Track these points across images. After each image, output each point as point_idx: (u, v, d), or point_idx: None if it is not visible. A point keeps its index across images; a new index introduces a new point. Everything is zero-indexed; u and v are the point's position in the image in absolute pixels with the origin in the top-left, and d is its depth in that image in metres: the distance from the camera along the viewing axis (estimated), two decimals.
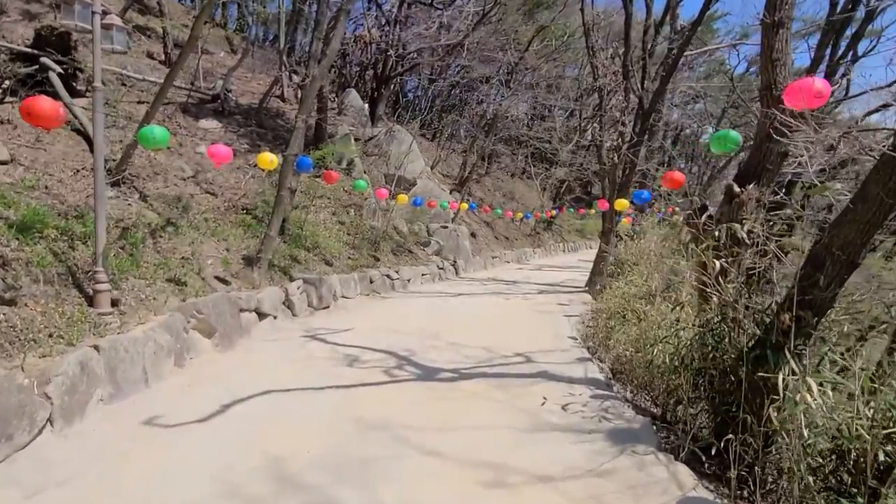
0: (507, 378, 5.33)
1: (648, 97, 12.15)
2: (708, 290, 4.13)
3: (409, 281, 13.26)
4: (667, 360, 4.20)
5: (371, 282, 11.63)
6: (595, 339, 7.36)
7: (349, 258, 11.97)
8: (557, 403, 4.52)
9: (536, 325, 8.50)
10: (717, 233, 4.05)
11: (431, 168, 21.38)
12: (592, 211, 31.56)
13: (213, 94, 14.86)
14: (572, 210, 30.36)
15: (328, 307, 9.48)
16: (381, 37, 19.30)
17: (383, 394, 4.88)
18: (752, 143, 4.77)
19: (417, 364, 5.89)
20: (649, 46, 12.46)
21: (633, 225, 15.65)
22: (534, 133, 28.63)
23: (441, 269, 15.43)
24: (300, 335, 7.32)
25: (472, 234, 19.66)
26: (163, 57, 15.00)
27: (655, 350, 4.32)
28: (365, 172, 15.91)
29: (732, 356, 3.77)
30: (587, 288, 13.21)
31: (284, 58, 13.82)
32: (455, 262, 16.40)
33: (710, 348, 3.92)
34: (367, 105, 21.29)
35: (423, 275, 14.21)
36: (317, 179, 12.51)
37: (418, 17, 20.66)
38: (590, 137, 34.81)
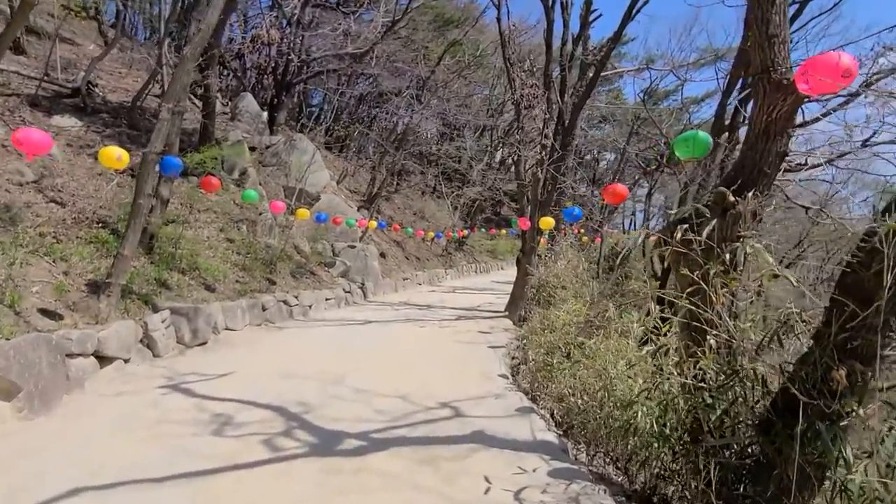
0: (434, 446, 4.03)
1: (568, 111, 11.61)
2: (708, 329, 3.13)
3: (310, 307, 11.61)
4: (650, 424, 3.13)
5: (264, 309, 9.89)
6: (530, 377, 6.27)
7: (237, 282, 10.16)
8: (507, 488, 3.28)
9: (460, 361, 7.30)
10: (721, 254, 3.08)
11: (338, 183, 19.83)
12: (503, 232, 31.53)
13: (73, 87, 12.47)
14: (484, 230, 30.01)
15: (205, 343, 7.68)
16: (281, 38, 17.62)
17: (259, 483, 3.39)
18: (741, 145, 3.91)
19: (313, 426, 4.43)
20: (568, 60, 11.98)
21: (550, 246, 15.08)
22: (444, 151, 27.98)
23: (348, 292, 13.89)
24: (158, 385, 5.57)
25: (382, 255, 18.29)
26: None
27: (635, 411, 3.23)
28: (261, 184, 14.09)
29: (749, 424, 2.76)
30: (507, 312, 12.28)
31: (165, 50, 11.88)
32: (363, 284, 14.92)
33: (711, 411, 2.89)
34: (266, 113, 19.40)
35: (327, 299, 12.61)
36: (201, 190, 10.61)
37: (324, 21, 19.24)
38: (499, 158, 34.90)
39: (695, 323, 3.23)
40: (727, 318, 2.99)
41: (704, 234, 3.15)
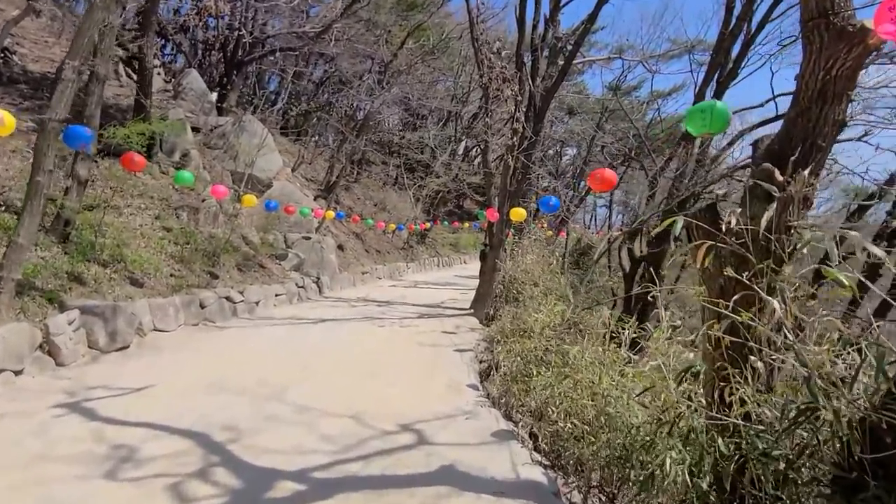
0: (393, 490, 3.17)
1: (540, 96, 10.89)
2: (754, 346, 2.39)
3: (257, 304, 10.54)
4: (682, 477, 2.37)
5: (202, 307, 8.80)
6: (503, 388, 5.49)
7: (173, 275, 9.02)
8: None
9: (423, 368, 6.46)
10: (772, 247, 2.34)
11: (293, 170, 18.61)
12: (467, 225, 30.82)
13: None
14: (446, 223, 29.22)
15: (126, 347, 6.59)
16: (231, 12, 16.26)
17: None
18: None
19: (239, 463, 3.51)
20: (540, 40, 11.24)
21: (517, 240, 14.40)
22: (407, 141, 27.00)
23: (301, 287, 12.84)
24: (53, 404, 4.52)
25: (340, 247, 17.25)
26: None
27: (661, 458, 2.45)
28: (205, 168, 12.85)
29: (825, 483, 2.02)
30: (472, 310, 11.52)
31: None
32: (319, 278, 13.88)
33: (770, 462, 2.15)
34: (215, 94, 18.00)
35: (277, 295, 11.54)
36: (130, 172, 9.36)
37: None
38: (462, 149, 34.09)
39: (732, 338, 2.49)
40: (788, 334, 2.25)
41: (763, 221, 2.39)
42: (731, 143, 12.86)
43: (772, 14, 9.86)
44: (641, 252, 14.12)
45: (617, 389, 3.64)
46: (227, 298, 9.60)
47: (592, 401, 3.62)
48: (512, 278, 10.90)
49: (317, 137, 24.92)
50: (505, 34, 20.37)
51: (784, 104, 14.94)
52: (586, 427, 3.58)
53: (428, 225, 25.79)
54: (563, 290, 10.15)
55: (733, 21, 9.36)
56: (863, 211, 11.02)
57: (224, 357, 6.57)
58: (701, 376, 2.68)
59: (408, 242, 24.15)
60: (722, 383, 2.64)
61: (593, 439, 3.45)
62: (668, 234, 12.52)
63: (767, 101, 12.06)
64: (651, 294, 10.68)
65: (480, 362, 7.71)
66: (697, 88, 10.36)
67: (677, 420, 2.63)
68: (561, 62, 11.50)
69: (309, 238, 14.53)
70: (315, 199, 18.25)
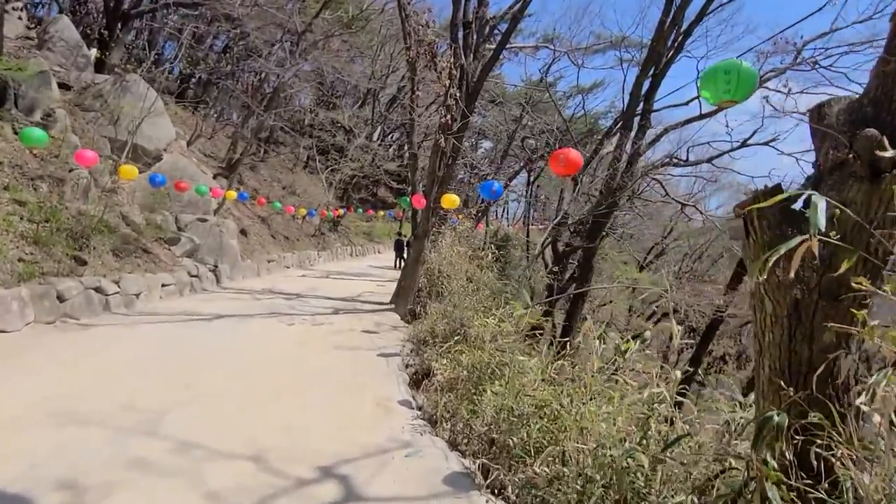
0: None
1: (473, 75, 10.05)
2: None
3: (138, 296, 8.87)
4: None
5: (62, 300, 7.10)
6: (441, 403, 4.55)
7: (21, 260, 7.22)
8: None
9: (344, 380, 5.38)
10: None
11: (189, 143, 16.46)
12: (381, 213, 29.58)
13: None
14: (360, 210, 27.85)
15: None
16: None
17: None
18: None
19: None
20: (474, 16, 10.37)
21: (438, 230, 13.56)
22: (320, 121, 25.26)
23: (195, 276, 11.15)
24: None
25: (243, 232, 15.49)
26: None
27: None
28: (74, 132, 10.72)
29: None
30: (393, 305, 10.51)
31: None
32: (217, 266, 12.21)
33: None
34: (94, 50, 15.40)
35: (164, 286, 9.85)
36: None
37: None
38: (377, 135, 32.68)
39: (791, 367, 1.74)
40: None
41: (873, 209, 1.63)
42: (655, 140, 12.79)
43: (707, 10, 9.69)
44: (567, 247, 13.83)
45: (606, 422, 2.84)
46: (97, 289, 7.90)
47: (579, 439, 2.79)
48: (438, 271, 10.04)
49: (219, 109, 22.55)
50: (434, 7, 19.34)
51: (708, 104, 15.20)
52: (572, 470, 2.74)
53: (341, 211, 24.36)
54: (494, 284, 9.45)
55: (674, 8, 9.04)
56: None
57: (81, 368, 5.09)
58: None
59: (319, 229, 22.59)
60: (798, 437, 1.87)
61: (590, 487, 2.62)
62: (601, 228, 12.26)
63: (692, 100, 12.06)
64: (579, 291, 10.16)
65: (407, 366, 6.76)
66: (636, 77, 10.01)
67: (747, 489, 1.84)
68: (493, 46, 10.74)
69: (206, 220, 12.76)
70: (215, 178, 16.28)
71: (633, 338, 3.66)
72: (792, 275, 1.65)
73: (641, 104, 10.05)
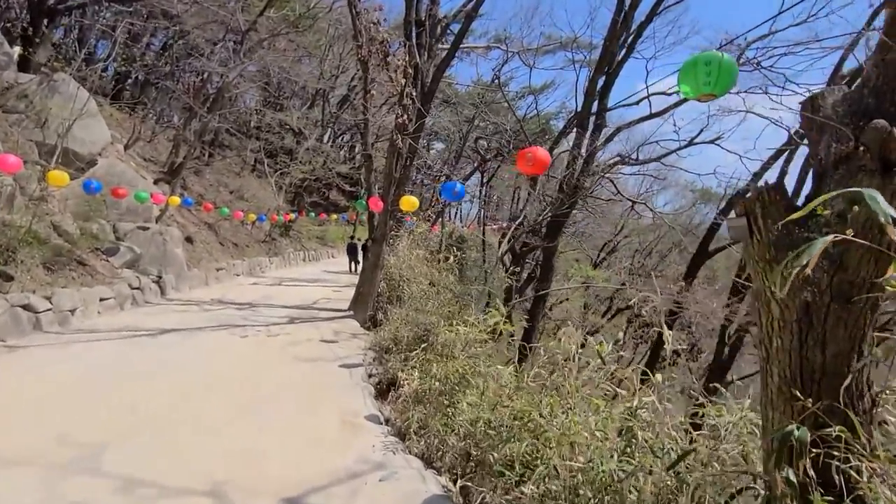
0: None
1: (428, 74, 9.87)
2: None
3: (73, 312, 8.18)
4: None
5: None
6: (409, 415, 4.32)
7: None
8: None
9: (306, 395, 5.06)
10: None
11: (126, 147, 15.54)
12: (334, 217, 28.95)
13: None
14: (313, 214, 27.17)
15: None
16: None
17: None
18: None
19: None
20: (426, 15, 10.18)
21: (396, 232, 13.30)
22: (268, 123, 24.47)
23: (137, 288, 10.45)
24: None
25: (189, 239, 14.72)
26: None
27: None
28: None
29: None
30: (352, 311, 10.18)
31: None
32: (161, 277, 11.50)
33: None
34: (17, 48, 14.29)
35: (102, 300, 9.16)
36: None
37: None
38: (328, 137, 32.01)
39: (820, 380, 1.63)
40: None
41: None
42: (608, 139, 12.96)
43: (657, 10, 9.84)
44: (524, 247, 13.83)
45: (596, 434, 2.69)
46: (26, 307, 7.23)
47: (567, 454, 2.63)
48: (398, 276, 9.78)
49: (159, 111, 21.47)
50: (385, 6, 19.00)
51: (658, 103, 15.51)
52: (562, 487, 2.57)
53: (292, 216, 23.67)
54: (456, 287, 9.28)
55: (625, 8, 9.13)
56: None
57: (7, 397, 4.56)
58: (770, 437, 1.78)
59: (270, 235, 21.84)
60: (815, 450, 1.76)
61: None
62: (560, 227, 12.29)
63: (642, 100, 12.26)
64: (542, 292, 10.10)
65: (370, 376, 6.49)
66: (589, 77, 10.07)
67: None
68: (446, 46, 10.60)
69: (147, 228, 12.02)
70: (156, 183, 15.43)
71: (614, 343, 3.55)
72: (809, 272, 1.52)
73: (596, 102, 10.13)
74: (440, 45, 11.48)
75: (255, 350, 6.96)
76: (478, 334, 4.78)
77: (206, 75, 19.06)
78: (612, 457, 2.59)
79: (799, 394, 1.80)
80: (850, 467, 1.71)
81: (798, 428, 1.65)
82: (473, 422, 3.61)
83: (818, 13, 10.86)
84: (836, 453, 1.73)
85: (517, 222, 8.81)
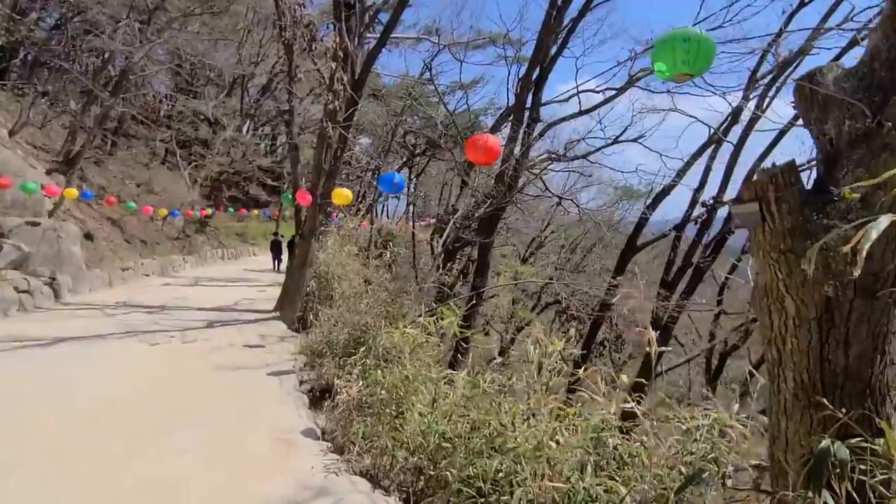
0: None
1: (359, 61, 9.38)
2: None
3: None
4: None
5: None
6: (345, 427, 3.89)
7: None
8: None
9: (230, 410, 4.48)
10: None
11: (11, 133, 13.77)
12: (255, 212, 27.50)
13: None
14: (231, 210, 25.65)
15: None
16: None
17: None
18: None
19: None
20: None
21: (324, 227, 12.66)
22: (180, 110, 22.78)
23: (25, 292, 9.20)
24: None
25: (88, 236, 13.26)
26: None
27: None
28: None
29: None
30: (278, 312, 9.50)
31: None
32: (54, 279, 10.21)
33: None
34: None
35: None
36: None
37: None
38: (247, 129, 30.29)
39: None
40: None
41: None
42: (541, 135, 12.99)
43: (590, 5, 9.89)
44: (457, 243, 13.60)
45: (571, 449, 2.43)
46: None
47: (544, 470, 2.34)
48: (328, 273, 9.23)
49: (52, 94, 19.34)
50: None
51: (587, 100, 15.72)
52: None
53: (209, 211, 22.20)
54: (392, 285, 8.88)
55: (559, 3, 9.09)
56: None
57: None
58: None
59: (184, 231, 20.31)
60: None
61: None
62: (496, 223, 12.13)
63: (571, 97, 12.37)
64: (477, 288, 9.85)
65: (302, 383, 5.97)
66: (526, 69, 9.97)
67: None
68: (375, 35, 10.15)
69: (38, 224, 10.64)
70: (49, 174, 13.79)
71: (567, 340, 3.33)
72: (858, 268, 1.30)
73: (531, 97, 10.05)
74: (369, 34, 10.99)
75: (168, 359, 6.21)
76: (427, 337, 4.43)
77: (107, 55, 17.29)
78: (592, 472, 2.33)
79: (824, 400, 1.59)
80: (880, 482, 1.53)
81: (833, 443, 1.44)
82: (425, 433, 3.27)
83: (732, 19, 11.33)
84: (863, 466, 1.55)
85: (456, 217, 8.54)
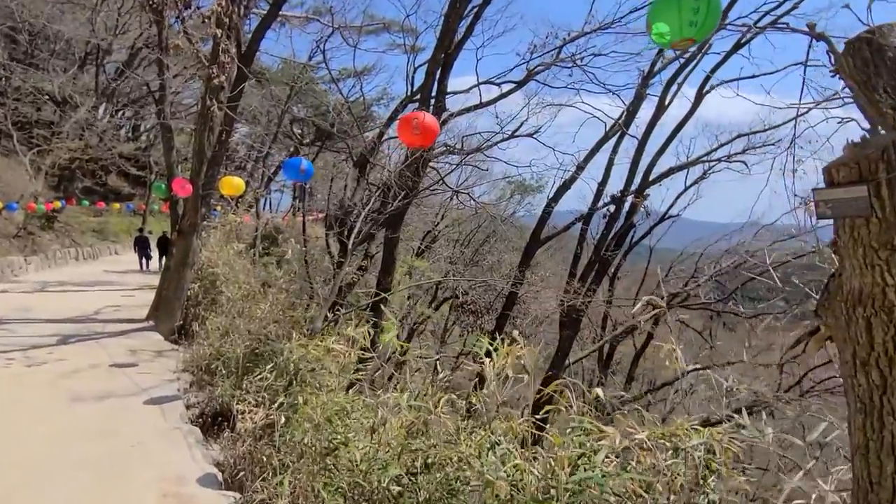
0: None
1: (246, 35, 8.33)
2: None
3: None
4: None
5: None
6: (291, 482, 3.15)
7: None
8: None
9: (96, 457, 3.49)
10: None
11: None
12: (117, 206, 24.37)
13: None
14: (87, 203, 22.49)
15: None
16: None
17: None
18: None
19: None
20: None
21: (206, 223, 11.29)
22: (16, 88, 19.39)
23: None
24: None
25: None
26: None
27: None
28: None
29: None
30: (151, 322, 8.18)
31: None
32: None
33: None
34: None
35: None
36: None
37: None
38: (104, 112, 26.66)
39: None
40: None
41: None
42: (443, 123, 12.61)
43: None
44: (357, 238, 12.81)
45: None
46: None
47: None
48: (214, 274, 8.09)
49: None
50: None
51: (488, 92, 15.63)
52: None
53: (58, 204, 19.24)
54: (291, 287, 7.99)
55: None
56: None
57: None
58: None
59: (25, 228, 17.28)
60: None
61: None
62: (402, 216, 11.51)
63: (472, 88, 12.10)
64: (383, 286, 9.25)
65: (189, 407, 5.00)
66: (432, 55, 9.49)
67: None
68: (262, 11, 9.08)
69: None
70: None
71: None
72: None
73: (436, 84, 9.59)
74: (255, 11, 9.87)
75: (4, 390, 4.90)
76: (355, 352, 3.74)
77: None
78: None
79: None
80: None
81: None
82: (367, 473, 2.65)
83: (622, 20, 11.65)
84: None
85: (367, 210, 7.82)
